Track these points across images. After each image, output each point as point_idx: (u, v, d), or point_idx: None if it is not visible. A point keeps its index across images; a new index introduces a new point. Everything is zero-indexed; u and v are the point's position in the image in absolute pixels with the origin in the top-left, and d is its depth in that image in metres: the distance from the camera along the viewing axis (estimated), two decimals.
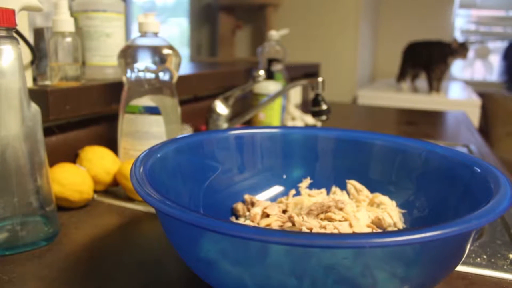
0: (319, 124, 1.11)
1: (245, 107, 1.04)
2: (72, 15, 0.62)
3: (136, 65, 0.59)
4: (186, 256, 0.32)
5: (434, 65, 2.05)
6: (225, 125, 0.80)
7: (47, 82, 0.63)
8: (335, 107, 0.80)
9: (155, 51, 0.59)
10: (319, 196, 0.48)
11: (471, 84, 2.74)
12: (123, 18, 0.71)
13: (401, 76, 2.26)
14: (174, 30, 2.30)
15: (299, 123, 1.12)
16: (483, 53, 2.83)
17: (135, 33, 1.26)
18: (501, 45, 2.80)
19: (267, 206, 0.44)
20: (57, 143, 0.61)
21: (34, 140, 0.43)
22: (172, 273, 0.40)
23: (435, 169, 0.43)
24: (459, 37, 2.22)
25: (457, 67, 2.89)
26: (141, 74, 0.60)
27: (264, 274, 0.27)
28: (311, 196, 0.47)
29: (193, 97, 0.96)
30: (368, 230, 0.41)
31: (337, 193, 0.49)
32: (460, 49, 2.02)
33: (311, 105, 0.73)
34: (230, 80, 1.04)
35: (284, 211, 0.46)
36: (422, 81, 2.28)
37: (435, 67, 2.05)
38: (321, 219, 0.41)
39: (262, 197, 0.50)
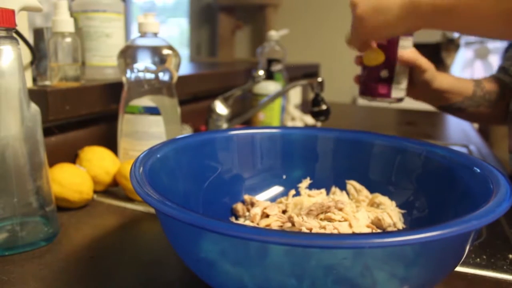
0: (318, 124, 1.11)
1: (245, 107, 1.04)
2: (71, 15, 0.62)
3: (135, 66, 0.59)
4: (186, 257, 0.32)
5: (434, 65, 2.03)
6: (224, 125, 0.80)
7: (47, 83, 0.63)
8: (334, 108, 0.80)
9: (155, 51, 0.59)
10: (319, 196, 0.48)
11: None
12: (123, 18, 0.71)
13: None
14: (174, 30, 2.30)
15: (298, 123, 1.12)
16: (483, 54, 2.83)
17: (135, 33, 1.26)
18: (500, 45, 2.80)
19: (266, 207, 0.44)
20: (57, 143, 0.61)
21: (33, 141, 0.43)
22: (172, 273, 0.40)
23: (435, 169, 0.43)
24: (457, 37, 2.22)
25: (457, 67, 2.89)
26: (140, 75, 0.60)
27: (264, 274, 0.27)
28: (310, 197, 0.47)
29: (192, 97, 0.96)
30: (368, 230, 0.41)
31: (337, 194, 0.49)
32: (449, 45, 1.99)
33: (310, 105, 0.73)
34: (230, 80, 1.04)
35: (284, 212, 0.46)
36: None
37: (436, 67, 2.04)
38: (321, 219, 0.41)
39: (262, 198, 0.50)
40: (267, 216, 0.43)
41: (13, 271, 0.39)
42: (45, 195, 0.44)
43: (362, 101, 2.12)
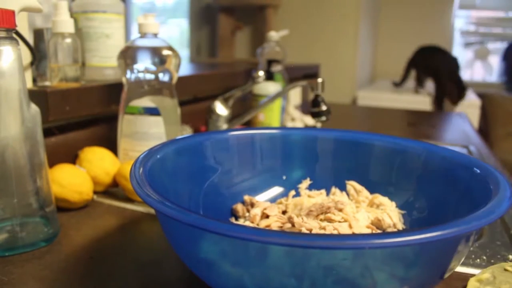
0: (318, 125, 1.11)
1: (245, 108, 1.04)
2: (71, 16, 0.62)
3: (135, 66, 0.59)
4: (185, 257, 0.32)
5: (443, 79, 1.95)
6: (224, 126, 0.80)
7: (47, 83, 0.63)
8: (334, 108, 0.81)
9: (155, 52, 0.60)
10: (319, 197, 0.48)
11: (471, 85, 2.74)
12: (123, 19, 0.71)
13: (404, 80, 2.24)
14: (174, 31, 2.30)
15: (298, 124, 1.12)
16: (483, 54, 2.84)
17: (134, 34, 1.26)
18: (500, 46, 2.80)
19: (266, 207, 0.44)
20: (57, 144, 0.61)
21: (33, 141, 0.43)
22: (171, 274, 0.40)
23: (435, 170, 0.43)
24: (458, 38, 2.21)
25: None
26: (140, 75, 0.60)
27: (264, 275, 0.27)
28: (310, 197, 0.47)
29: (192, 98, 0.96)
30: (368, 231, 0.41)
31: (337, 194, 0.49)
32: (456, 91, 1.93)
33: (310, 106, 0.73)
34: (230, 81, 1.04)
35: (284, 212, 0.46)
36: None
37: (444, 82, 1.95)
38: (321, 220, 0.41)
39: (262, 198, 0.50)
40: (267, 216, 0.43)
41: (13, 272, 0.39)
42: (45, 196, 0.44)
43: (362, 102, 2.12)
